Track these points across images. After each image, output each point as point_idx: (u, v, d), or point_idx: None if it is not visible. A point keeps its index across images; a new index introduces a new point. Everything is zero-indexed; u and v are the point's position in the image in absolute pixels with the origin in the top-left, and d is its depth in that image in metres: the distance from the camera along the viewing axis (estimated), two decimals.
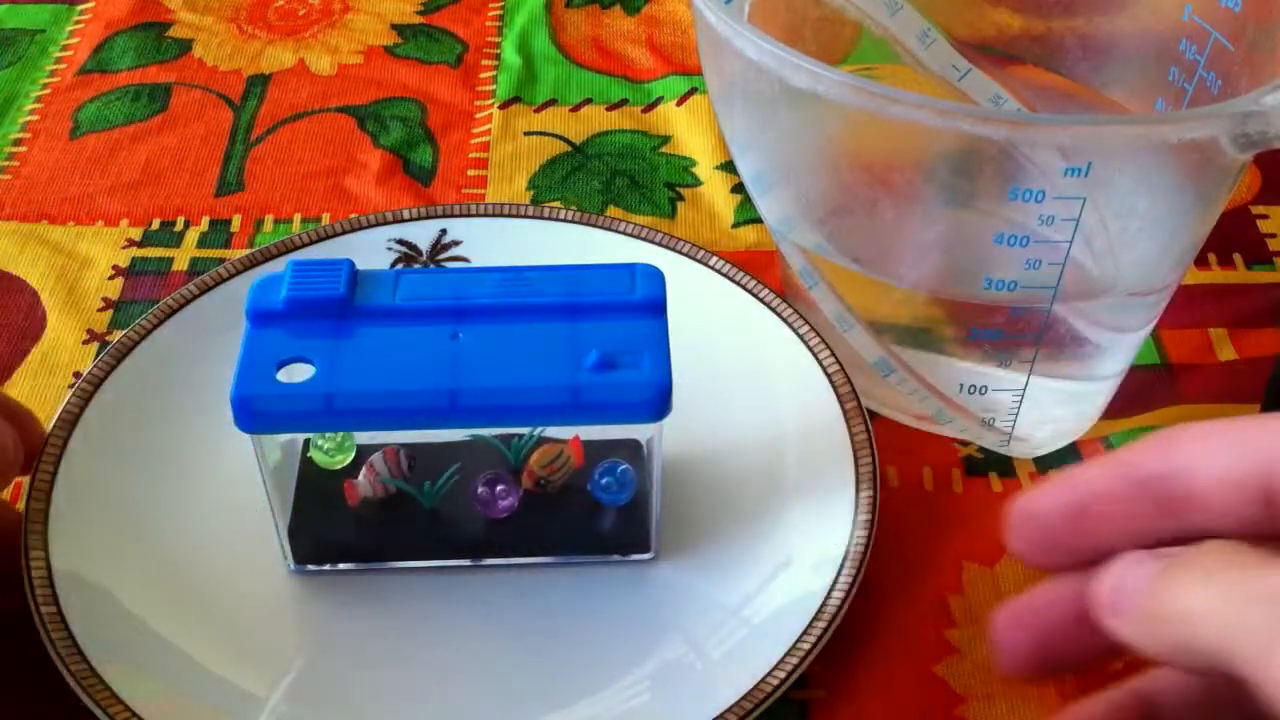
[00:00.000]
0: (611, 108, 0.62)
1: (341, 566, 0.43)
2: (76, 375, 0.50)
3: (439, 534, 0.43)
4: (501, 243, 0.51)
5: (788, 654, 0.39)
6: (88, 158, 0.60)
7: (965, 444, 0.48)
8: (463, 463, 0.43)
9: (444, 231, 0.52)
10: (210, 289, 0.49)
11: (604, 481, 0.43)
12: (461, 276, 0.42)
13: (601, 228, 0.51)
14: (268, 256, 0.50)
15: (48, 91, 0.63)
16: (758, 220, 0.56)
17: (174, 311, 0.48)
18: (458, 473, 0.43)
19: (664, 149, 0.60)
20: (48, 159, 0.59)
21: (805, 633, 0.40)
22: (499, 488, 0.43)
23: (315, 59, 0.65)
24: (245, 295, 0.40)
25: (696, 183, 0.58)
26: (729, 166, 0.59)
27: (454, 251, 0.52)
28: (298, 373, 0.38)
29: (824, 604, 0.40)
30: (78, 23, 0.67)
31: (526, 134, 0.61)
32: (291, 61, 0.65)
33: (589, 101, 0.63)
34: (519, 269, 0.42)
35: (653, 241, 0.50)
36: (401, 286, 0.40)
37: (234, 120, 0.61)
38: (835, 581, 0.41)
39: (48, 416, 0.45)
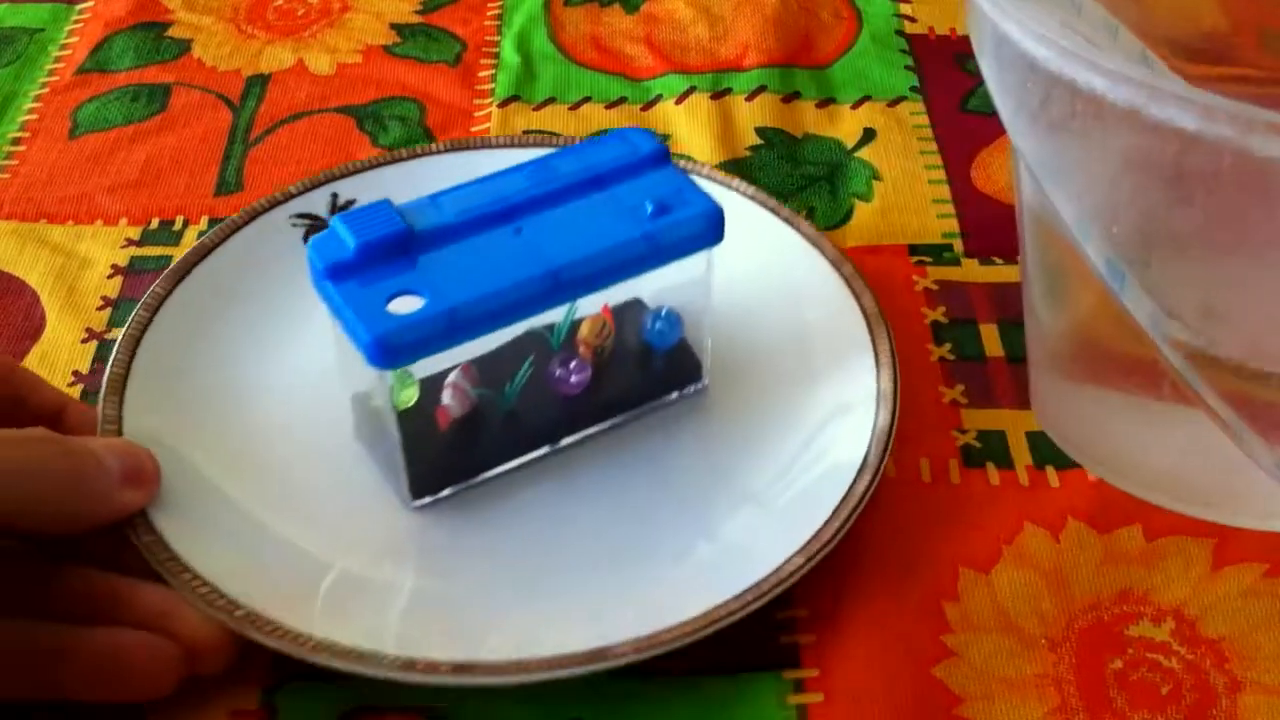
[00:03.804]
0: (610, 106, 0.62)
1: (449, 491, 0.45)
2: (76, 374, 0.50)
3: (520, 429, 0.46)
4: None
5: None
6: (87, 157, 0.60)
7: (964, 432, 0.48)
8: (516, 357, 0.45)
9: (335, 195, 0.54)
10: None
11: (657, 327, 0.46)
12: (493, 182, 0.44)
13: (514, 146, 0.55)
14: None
15: (46, 91, 0.63)
16: None
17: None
18: (532, 365, 0.45)
19: None
20: (47, 158, 0.59)
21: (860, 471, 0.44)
22: (573, 364, 0.45)
23: (314, 59, 0.65)
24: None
25: None
26: (728, 165, 0.59)
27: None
28: (403, 306, 0.40)
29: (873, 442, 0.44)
30: (77, 22, 0.67)
31: (526, 132, 0.61)
32: (290, 61, 0.65)
33: (588, 100, 0.63)
34: (537, 160, 0.44)
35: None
36: (445, 207, 0.43)
37: (233, 120, 0.61)
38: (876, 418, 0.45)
39: None
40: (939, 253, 0.55)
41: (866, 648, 0.42)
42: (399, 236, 0.41)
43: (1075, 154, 0.39)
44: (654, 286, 0.45)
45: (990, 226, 0.56)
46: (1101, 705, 0.40)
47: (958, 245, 0.55)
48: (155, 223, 0.56)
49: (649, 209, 0.43)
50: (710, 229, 0.43)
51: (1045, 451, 0.47)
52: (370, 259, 0.41)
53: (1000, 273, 0.54)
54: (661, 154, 0.45)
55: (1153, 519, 0.45)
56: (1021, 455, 0.47)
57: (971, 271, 0.54)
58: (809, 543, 0.42)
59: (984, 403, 0.49)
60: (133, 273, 0.54)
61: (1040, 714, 0.40)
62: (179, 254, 0.55)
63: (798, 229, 0.51)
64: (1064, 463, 0.47)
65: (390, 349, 0.40)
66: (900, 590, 0.43)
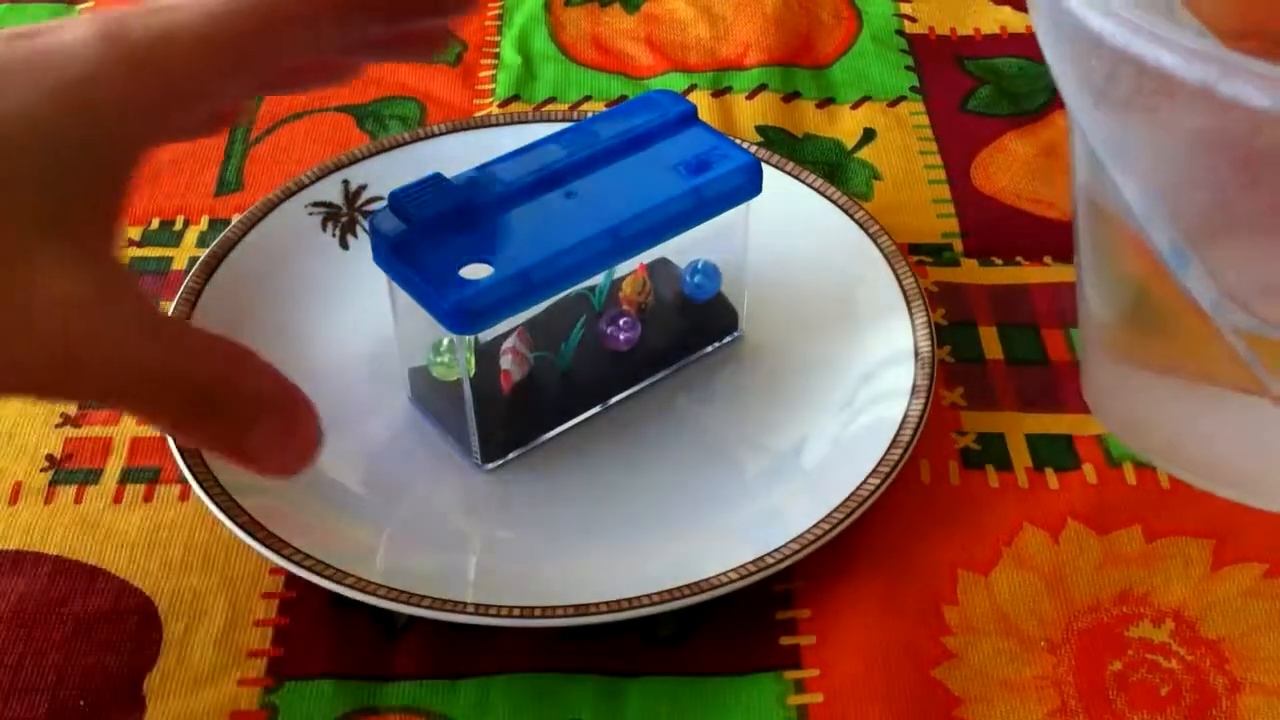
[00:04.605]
0: (611, 105, 0.62)
1: (514, 455, 0.46)
2: None
3: (574, 390, 0.47)
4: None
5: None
6: None
7: (963, 434, 0.48)
8: (563, 320, 0.46)
9: (346, 182, 0.55)
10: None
11: (696, 280, 0.48)
12: (536, 150, 0.45)
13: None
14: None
15: None
16: None
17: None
18: (584, 325, 0.47)
19: None
20: None
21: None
22: (622, 320, 0.47)
23: None
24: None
25: None
26: None
27: (369, 194, 0.55)
28: (473, 273, 0.41)
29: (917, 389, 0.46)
30: None
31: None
32: None
33: (588, 99, 0.63)
34: (574, 126, 0.46)
35: None
36: (495, 176, 0.44)
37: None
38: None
39: (44, 421, 0.45)
40: (939, 252, 0.55)
41: (867, 648, 0.42)
42: (458, 207, 0.42)
43: (1141, 132, 0.39)
44: (696, 239, 0.46)
45: (990, 227, 0.56)
46: (1101, 706, 0.41)
47: (957, 245, 0.55)
48: (155, 223, 0.56)
49: (691, 165, 0.45)
50: (751, 181, 0.46)
51: (1044, 454, 0.47)
52: (433, 231, 0.42)
53: (1000, 274, 0.54)
54: (690, 113, 0.46)
55: (1152, 520, 0.45)
56: (1021, 457, 0.47)
57: (971, 272, 0.54)
58: (856, 490, 0.43)
59: (983, 405, 0.49)
60: (133, 273, 0.54)
61: (1040, 715, 0.40)
62: (179, 254, 0.55)
63: (810, 184, 0.54)
64: (1063, 465, 0.47)
65: (469, 314, 0.41)
66: (900, 591, 0.43)
